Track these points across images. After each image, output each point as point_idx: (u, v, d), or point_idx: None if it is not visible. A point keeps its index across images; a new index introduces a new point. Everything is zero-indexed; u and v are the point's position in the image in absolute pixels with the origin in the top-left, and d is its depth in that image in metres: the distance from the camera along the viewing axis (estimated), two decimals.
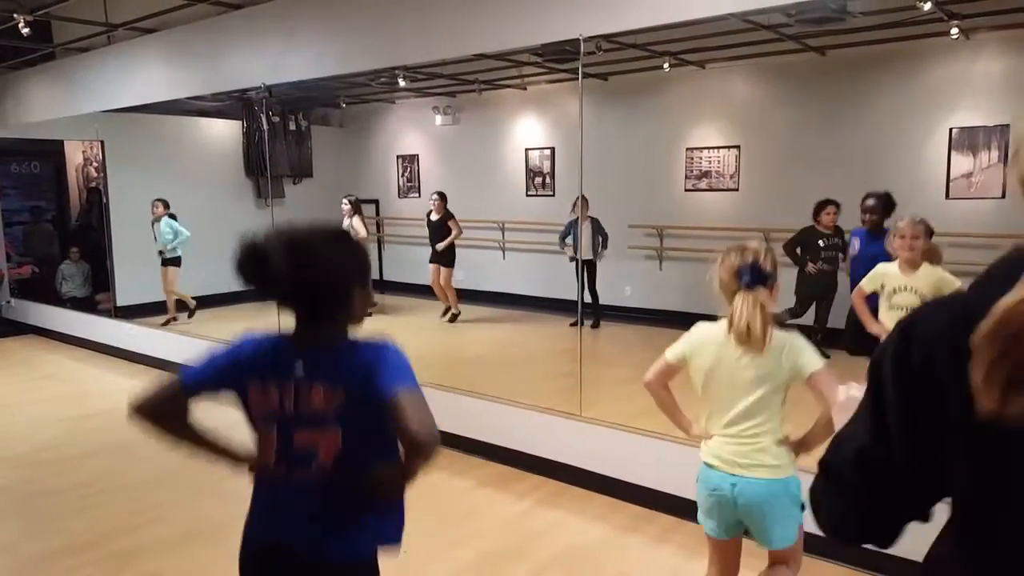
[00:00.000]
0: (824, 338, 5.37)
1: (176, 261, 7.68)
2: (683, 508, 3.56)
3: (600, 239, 7.33)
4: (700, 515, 2.34)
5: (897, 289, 3.46)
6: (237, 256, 1.48)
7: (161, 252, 7.65)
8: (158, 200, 7.66)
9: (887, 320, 3.54)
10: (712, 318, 2.28)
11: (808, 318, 5.80)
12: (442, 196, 8.06)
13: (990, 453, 0.81)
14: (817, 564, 3.00)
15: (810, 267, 5.72)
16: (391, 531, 1.62)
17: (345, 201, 8.05)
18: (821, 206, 5.66)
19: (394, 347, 1.54)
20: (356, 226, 8.00)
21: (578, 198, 7.48)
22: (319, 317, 1.56)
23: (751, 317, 2.05)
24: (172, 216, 7.71)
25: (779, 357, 2.13)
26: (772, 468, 2.16)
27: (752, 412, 2.16)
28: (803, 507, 2.19)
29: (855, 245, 4.87)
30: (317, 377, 1.52)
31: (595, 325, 7.47)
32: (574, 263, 7.45)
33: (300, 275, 1.48)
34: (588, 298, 7.37)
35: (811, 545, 2.52)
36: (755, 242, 2.17)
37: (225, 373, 1.60)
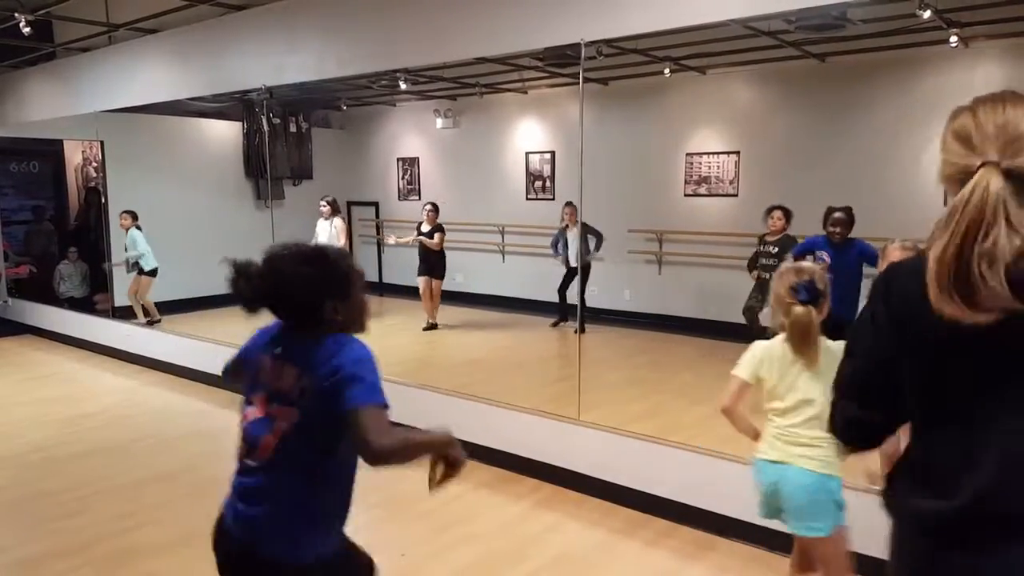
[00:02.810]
0: None
1: (153, 272, 7.59)
2: (678, 512, 3.56)
3: (594, 241, 7.32)
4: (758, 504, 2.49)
5: None
6: (228, 273, 1.71)
7: (135, 263, 7.53)
8: (126, 212, 7.51)
9: None
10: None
11: None
12: (435, 207, 7.84)
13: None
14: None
15: (752, 274, 5.66)
16: (296, 544, 1.63)
17: (323, 203, 7.96)
18: (767, 212, 5.56)
19: (359, 344, 1.67)
20: (337, 227, 8.03)
21: (566, 204, 7.53)
22: (297, 324, 1.74)
23: (807, 326, 2.29)
24: (139, 227, 7.57)
25: (830, 361, 2.24)
26: (818, 462, 2.30)
27: (808, 410, 2.32)
28: (842, 507, 2.32)
29: (824, 258, 4.56)
30: (289, 359, 1.69)
31: (555, 324, 7.75)
32: (566, 268, 7.54)
33: (267, 289, 1.69)
34: (576, 300, 7.37)
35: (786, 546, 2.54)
36: (810, 263, 2.42)
37: (244, 351, 1.86)
